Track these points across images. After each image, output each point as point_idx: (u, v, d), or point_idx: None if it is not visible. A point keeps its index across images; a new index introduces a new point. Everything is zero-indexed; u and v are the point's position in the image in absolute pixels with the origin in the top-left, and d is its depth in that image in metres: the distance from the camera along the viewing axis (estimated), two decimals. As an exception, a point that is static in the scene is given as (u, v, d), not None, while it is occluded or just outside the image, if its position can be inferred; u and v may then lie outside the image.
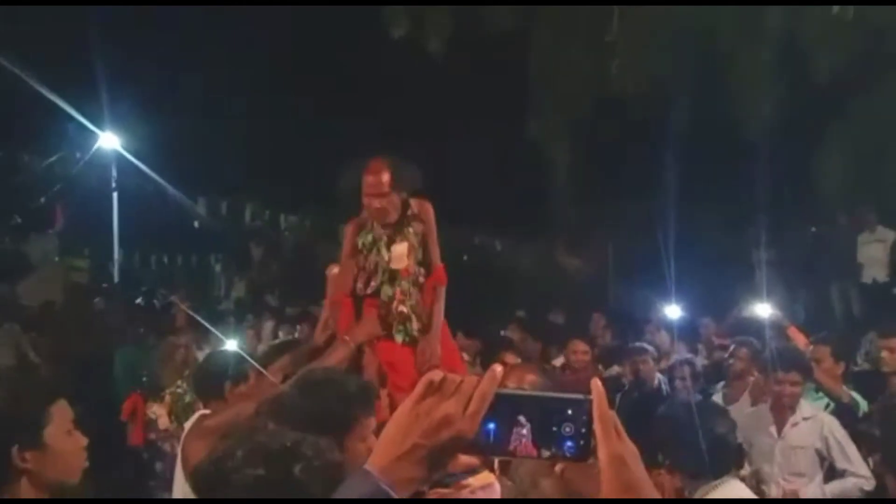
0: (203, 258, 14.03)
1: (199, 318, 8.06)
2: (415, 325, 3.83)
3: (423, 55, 10.79)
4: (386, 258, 3.80)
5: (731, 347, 5.61)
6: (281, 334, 8.00)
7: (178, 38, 11.01)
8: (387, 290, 3.83)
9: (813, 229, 11.52)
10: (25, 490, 1.92)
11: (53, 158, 12.35)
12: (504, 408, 1.03)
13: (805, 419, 4.36)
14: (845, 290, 10.33)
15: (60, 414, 1.98)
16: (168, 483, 4.51)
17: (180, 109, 11.34)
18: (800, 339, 5.36)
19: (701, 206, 10.36)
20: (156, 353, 7.09)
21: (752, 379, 5.20)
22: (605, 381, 5.27)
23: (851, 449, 4.22)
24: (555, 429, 1.03)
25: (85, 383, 6.81)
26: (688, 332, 7.35)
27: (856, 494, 4.18)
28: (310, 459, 1.56)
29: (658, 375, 5.93)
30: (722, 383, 5.67)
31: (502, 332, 7.19)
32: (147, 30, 11.19)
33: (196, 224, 13.89)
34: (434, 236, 3.90)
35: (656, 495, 1.07)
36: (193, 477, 1.66)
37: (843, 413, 4.55)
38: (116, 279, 12.22)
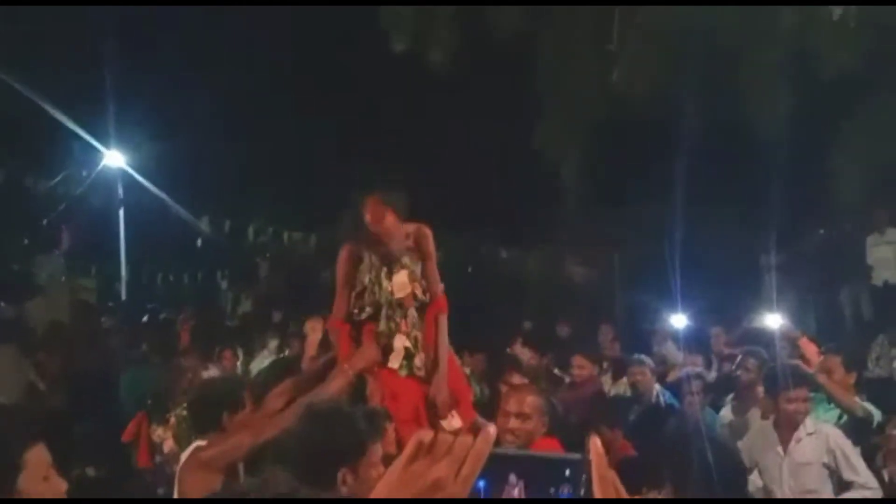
0: (209, 275, 14.03)
1: (204, 336, 8.07)
2: (418, 361, 3.76)
3: (425, 65, 10.78)
4: (388, 289, 3.74)
5: (739, 358, 5.55)
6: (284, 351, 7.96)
7: (183, 57, 11.03)
8: (388, 322, 3.77)
9: (821, 231, 11.44)
10: None
11: (59, 178, 12.38)
12: (496, 466, 0.99)
13: (809, 434, 4.30)
14: (855, 293, 10.24)
15: (36, 460, 1.92)
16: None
17: (184, 127, 11.35)
18: (811, 350, 5.29)
19: (709, 213, 10.29)
20: (161, 374, 7.07)
21: (761, 390, 5.14)
22: (608, 399, 5.23)
23: (858, 460, 4.18)
24: (552, 490, 1.00)
25: (91, 404, 6.82)
26: (697, 343, 7.30)
27: (866, 506, 4.13)
28: None
29: (657, 387, 5.88)
30: (731, 395, 5.61)
31: (508, 350, 7.13)
32: (151, 48, 11.22)
33: (199, 242, 13.88)
34: (433, 262, 3.83)
35: None
36: None
37: (857, 425, 4.48)
38: (123, 297, 12.23)
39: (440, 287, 3.85)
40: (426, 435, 0.99)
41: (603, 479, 1.00)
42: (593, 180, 11.39)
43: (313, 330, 3.99)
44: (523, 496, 0.99)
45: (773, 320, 6.22)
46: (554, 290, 12.30)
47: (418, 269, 3.79)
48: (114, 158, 11.87)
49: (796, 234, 10.58)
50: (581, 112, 10.75)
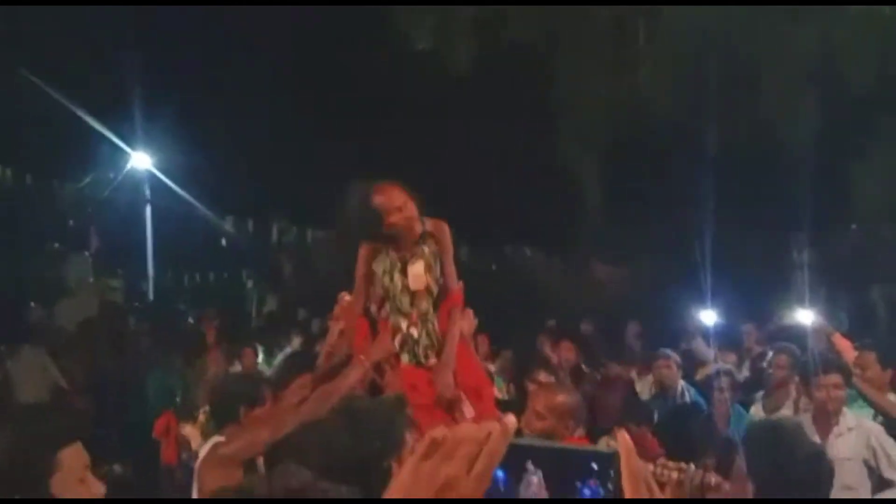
0: (235, 274, 14.10)
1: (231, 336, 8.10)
2: (422, 349, 3.73)
3: (449, 71, 10.77)
4: (400, 284, 3.71)
5: (770, 355, 5.44)
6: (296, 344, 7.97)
7: (207, 59, 11.10)
8: (399, 315, 3.75)
9: (853, 226, 11.28)
10: None
11: (87, 180, 12.51)
12: (516, 457, 0.94)
13: (850, 430, 4.19)
14: (888, 290, 10.08)
15: (72, 460, 1.86)
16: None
17: (209, 128, 11.41)
18: (845, 346, 5.18)
19: (739, 211, 10.16)
20: (189, 373, 7.11)
21: (793, 388, 5.04)
22: (637, 396, 5.12)
23: (900, 458, 4.07)
24: (578, 483, 0.94)
25: (119, 403, 6.88)
26: (728, 340, 7.18)
27: (907, 505, 4.03)
28: None
29: (682, 383, 5.78)
30: (762, 392, 5.50)
31: (537, 346, 7.07)
32: (176, 51, 11.29)
33: (224, 242, 13.97)
34: (450, 257, 3.78)
35: None
36: None
37: (892, 425, 4.37)
38: (150, 297, 12.33)
39: (456, 282, 3.82)
40: (440, 432, 0.94)
41: (633, 475, 0.94)
42: (620, 180, 11.35)
43: (338, 319, 3.96)
44: (543, 488, 0.94)
45: (805, 317, 6.09)
46: (580, 288, 12.22)
47: (434, 263, 3.76)
48: (140, 160, 11.97)
49: (829, 231, 10.44)
50: (607, 111, 10.73)
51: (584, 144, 11.05)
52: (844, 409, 4.29)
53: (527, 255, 14.30)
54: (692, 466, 2.65)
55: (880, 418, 4.51)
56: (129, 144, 11.88)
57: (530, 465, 0.94)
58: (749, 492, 2.36)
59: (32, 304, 10.38)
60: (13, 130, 10.71)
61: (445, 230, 3.77)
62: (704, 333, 7.57)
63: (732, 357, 6.45)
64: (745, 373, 6.33)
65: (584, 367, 6.40)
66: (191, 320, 9.84)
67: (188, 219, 12.21)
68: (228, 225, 13.79)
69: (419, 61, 10.48)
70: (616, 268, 12.96)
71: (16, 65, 9.96)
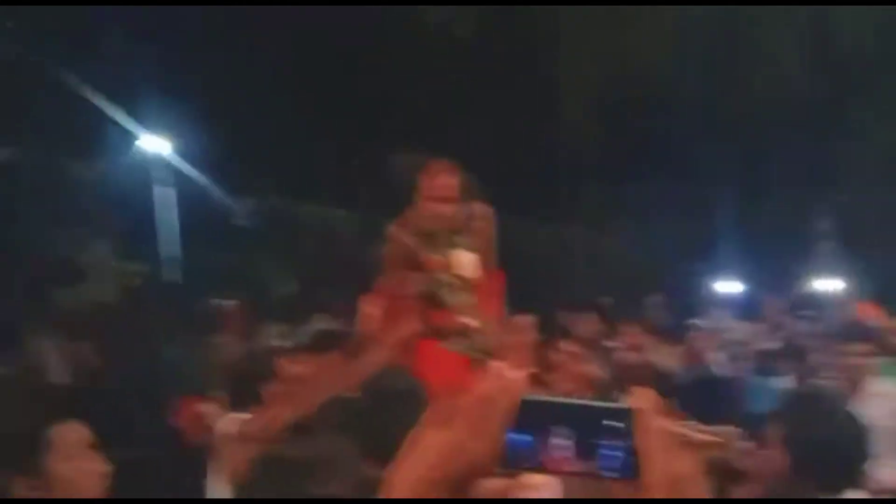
0: (254, 255, 14.12)
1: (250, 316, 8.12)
2: (482, 341, 3.65)
3: (448, 39, 10.66)
4: (450, 264, 3.63)
5: (801, 324, 5.40)
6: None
7: (220, 38, 11.06)
8: (448, 299, 3.66)
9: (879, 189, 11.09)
10: None
11: (104, 163, 12.54)
12: (535, 415, 0.87)
13: (875, 396, 4.15)
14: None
15: (65, 438, 1.84)
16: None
17: (228, 108, 11.39)
18: (871, 313, 5.10)
19: (761, 178, 10.03)
20: (209, 354, 7.13)
21: (820, 356, 4.98)
22: (658, 368, 5.07)
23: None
24: (599, 442, 0.87)
25: (139, 385, 6.91)
26: (751, 310, 7.11)
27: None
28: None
29: (714, 355, 5.74)
30: (789, 362, 5.44)
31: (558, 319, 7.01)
32: (191, 30, 11.26)
33: (243, 222, 13.97)
34: (493, 241, 3.71)
35: None
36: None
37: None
38: (169, 280, 12.38)
39: (496, 267, 3.76)
40: (447, 398, 0.88)
41: (657, 433, 0.86)
42: (640, 151, 11.22)
43: (367, 305, 3.92)
44: (568, 450, 0.87)
45: (830, 285, 6.01)
46: (600, 261, 12.14)
47: (475, 248, 3.68)
48: (158, 143, 11.97)
49: (854, 197, 10.26)
50: (617, 82, 10.61)
51: (588, 115, 10.95)
52: (871, 377, 4.24)
53: (542, 228, 14.21)
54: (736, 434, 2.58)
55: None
56: (148, 127, 11.88)
57: (556, 428, 0.87)
58: (784, 463, 2.30)
59: (52, 287, 10.46)
60: (36, 113, 10.77)
61: (490, 217, 3.68)
62: (726, 303, 7.50)
63: (761, 328, 6.37)
64: (770, 343, 6.26)
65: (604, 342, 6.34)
66: (211, 302, 9.87)
67: (207, 200, 12.23)
68: (248, 206, 13.78)
69: (420, 29, 10.39)
70: (636, 239, 12.86)
71: (32, 49, 9.99)
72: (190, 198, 12.13)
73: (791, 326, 5.36)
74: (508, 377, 0.87)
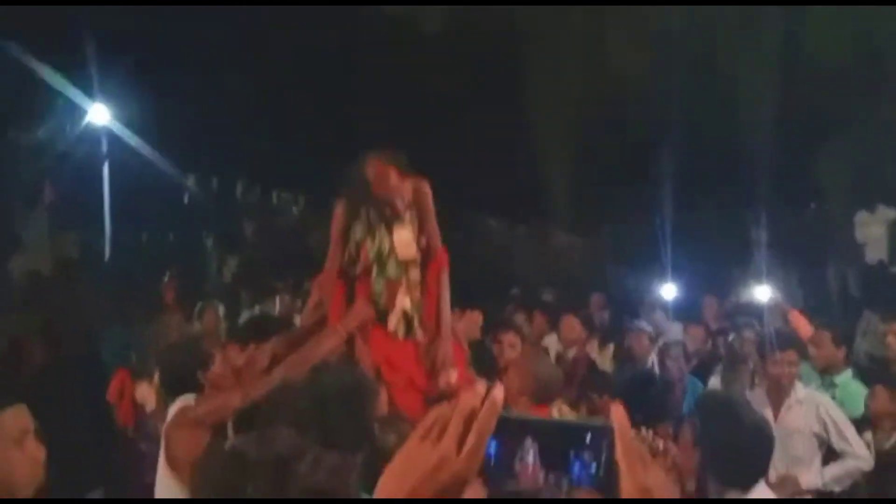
0: (195, 234, 13.89)
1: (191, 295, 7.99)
2: (417, 322, 3.67)
3: (416, 35, 10.62)
4: (387, 245, 3.62)
5: (736, 330, 5.56)
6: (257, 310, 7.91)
7: (171, 9, 10.78)
8: (385, 280, 3.66)
9: (812, 205, 11.47)
10: None
11: (41, 132, 12.15)
12: (509, 430, 0.94)
13: (799, 402, 4.31)
14: (842, 269, 10.30)
15: (8, 422, 1.78)
16: (152, 465, 4.44)
17: (172, 83, 11.13)
18: (802, 324, 5.30)
19: (698, 186, 10.26)
20: (146, 331, 7.00)
21: (751, 363, 5.15)
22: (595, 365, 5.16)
23: (849, 430, 4.18)
24: (571, 454, 0.94)
25: (73, 361, 6.75)
26: (687, 313, 7.29)
27: (855, 476, 4.14)
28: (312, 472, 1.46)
29: (652, 356, 5.88)
30: (720, 366, 5.61)
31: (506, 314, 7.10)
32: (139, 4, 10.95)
33: (186, 200, 13.72)
34: (433, 216, 3.72)
35: None
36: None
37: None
38: (107, 254, 12.09)
39: (439, 242, 3.75)
40: (433, 415, 0.95)
41: (628, 449, 0.94)
42: (584, 149, 11.38)
43: (318, 285, 3.88)
44: (538, 462, 0.93)
45: (763, 294, 6.22)
46: (542, 259, 12.29)
47: (416, 227, 3.68)
48: (99, 113, 11.62)
49: (786, 209, 10.60)
50: (574, 83, 10.73)
51: (549, 117, 11.05)
52: (796, 383, 4.41)
53: (491, 224, 14.33)
54: (643, 430, 2.71)
55: (832, 391, 4.64)
56: (87, 95, 11.53)
57: (527, 440, 0.94)
58: (695, 458, 2.44)
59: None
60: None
61: (427, 191, 3.68)
62: (663, 306, 7.67)
63: (699, 331, 6.54)
64: (706, 346, 6.44)
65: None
66: (150, 279, 9.69)
67: (148, 175, 11.93)
68: (191, 183, 13.53)
69: (389, 24, 10.33)
70: (578, 238, 13.05)
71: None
72: (132, 172, 11.84)
73: (726, 331, 5.53)
74: (490, 395, 0.94)
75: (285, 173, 13.10)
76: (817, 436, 4.22)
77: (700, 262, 8.92)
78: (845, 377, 4.74)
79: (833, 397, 4.54)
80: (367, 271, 3.66)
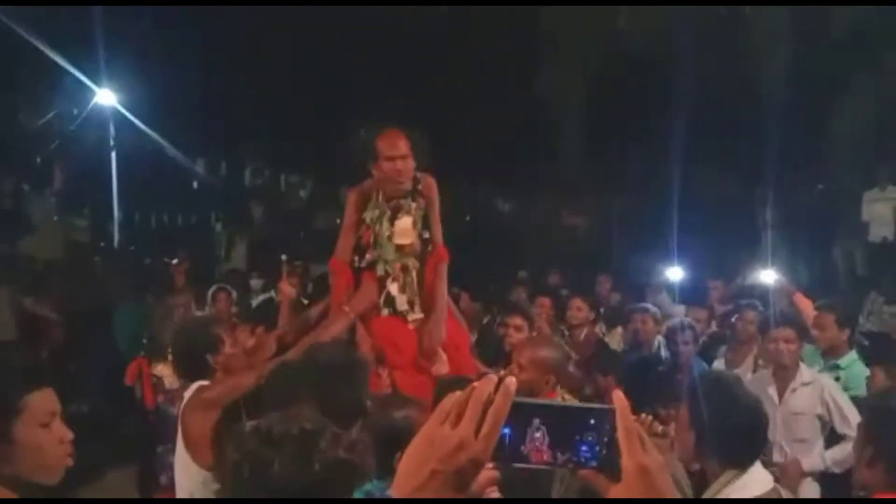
0: (203, 217, 13.96)
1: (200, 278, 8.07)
2: (403, 303, 3.77)
3: (427, 9, 10.59)
4: (387, 232, 3.74)
5: (739, 311, 5.58)
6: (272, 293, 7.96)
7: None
8: (383, 265, 3.78)
9: (820, 186, 11.44)
10: None
11: (50, 115, 12.19)
12: (520, 414, 1.02)
13: (805, 384, 4.35)
14: (849, 249, 10.29)
15: (37, 404, 1.81)
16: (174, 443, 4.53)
17: (179, 67, 11.15)
18: (805, 305, 5.32)
19: (707, 166, 10.25)
20: (155, 312, 7.08)
21: (755, 344, 5.18)
22: (604, 346, 5.22)
23: (852, 413, 4.21)
24: (577, 437, 1.02)
25: (86, 343, 6.85)
26: (694, 295, 7.32)
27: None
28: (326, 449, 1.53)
29: (659, 338, 5.91)
30: (724, 348, 5.66)
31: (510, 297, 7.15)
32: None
33: (195, 184, 13.78)
34: (437, 212, 3.84)
35: None
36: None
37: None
38: (116, 238, 12.18)
39: (442, 236, 3.86)
40: (451, 399, 1.02)
41: (628, 431, 1.02)
42: (592, 130, 11.37)
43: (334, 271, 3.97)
44: (546, 443, 1.02)
45: (768, 276, 6.23)
46: (551, 240, 12.31)
47: (420, 219, 3.79)
48: (106, 97, 11.65)
49: (795, 189, 10.58)
50: (581, 63, 10.70)
51: (557, 95, 11.03)
52: (801, 365, 4.44)
53: (500, 205, 14.35)
54: (643, 416, 2.77)
55: (836, 373, 4.67)
56: (94, 80, 11.55)
57: (536, 421, 1.02)
58: (690, 440, 2.50)
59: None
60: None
61: (433, 185, 3.82)
62: (670, 288, 7.71)
63: (702, 314, 6.58)
64: (711, 328, 6.48)
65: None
66: (161, 262, 9.76)
67: (157, 159, 11.99)
68: (200, 167, 13.58)
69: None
70: (586, 219, 13.07)
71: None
72: (141, 157, 11.88)
73: (731, 313, 5.56)
74: (504, 382, 1.02)
75: (293, 157, 13.14)
76: (820, 418, 4.27)
77: (706, 245, 8.93)
78: (849, 359, 4.74)
79: (837, 379, 4.56)
80: (369, 259, 3.78)
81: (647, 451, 1.01)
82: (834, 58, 9.80)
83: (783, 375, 4.39)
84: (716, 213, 10.26)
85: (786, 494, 2.79)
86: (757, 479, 2.49)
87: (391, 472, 1.06)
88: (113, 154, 12.09)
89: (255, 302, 7.56)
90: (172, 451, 3.38)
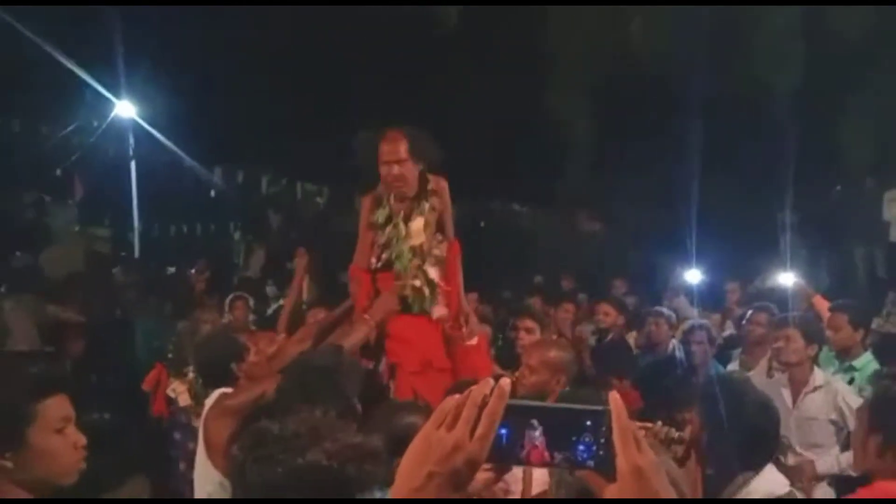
0: (222, 227, 14.07)
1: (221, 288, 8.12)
2: (429, 298, 3.82)
3: (439, 20, 10.64)
4: (402, 233, 3.78)
5: (749, 313, 5.55)
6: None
7: (195, 7, 10.89)
8: (401, 265, 3.82)
9: (838, 188, 11.35)
10: (7, 490, 1.79)
11: (71, 128, 12.36)
12: (517, 416, 1.04)
13: (818, 388, 4.30)
14: (870, 250, 10.20)
15: (51, 411, 1.85)
16: (186, 453, 4.58)
17: (196, 78, 11.27)
18: (824, 307, 5.27)
19: (724, 169, 10.20)
20: (179, 326, 7.13)
21: (769, 347, 5.14)
22: (624, 349, 5.20)
23: (866, 417, 4.17)
24: (573, 438, 1.03)
25: (107, 354, 6.91)
26: (711, 298, 7.28)
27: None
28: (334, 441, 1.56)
29: (673, 341, 5.89)
30: (738, 350, 5.63)
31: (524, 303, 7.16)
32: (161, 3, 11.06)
33: (213, 193, 13.89)
34: (450, 212, 3.90)
35: None
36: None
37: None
38: (137, 248, 12.30)
39: (453, 235, 3.94)
40: (449, 402, 1.04)
41: (623, 431, 1.03)
42: (606, 134, 11.35)
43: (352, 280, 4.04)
44: (543, 444, 1.03)
45: (787, 278, 6.19)
46: (566, 245, 12.29)
47: (433, 220, 3.84)
48: (125, 109, 11.81)
49: (813, 191, 10.50)
50: (595, 66, 10.70)
51: (571, 100, 11.03)
52: (816, 369, 4.40)
53: (515, 210, 14.35)
54: (658, 424, 2.79)
55: (850, 374, 4.63)
56: (113, 92, 11.70)
57: (533, 422, 1.03)
58: (703, 442, 2.50)
59: (17, 252, 10.34)
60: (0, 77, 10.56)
61: (445, 187, 3.87)
62: (688, 291, 7.68)
63: (716, 317, 6.55)
64: (728, 331, 6.44)
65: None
66: (181, 271, 9.85)
67: (175, 169, 12.12)
68: (217, 176, 13.70)
69: (407, 11, 10.36)
70: (603, 225, 13.03)
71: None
72: (159, 167, 12.02)
73: (752, 318, 5.52)
74: (498, 384, 1.04)
75: (309, 165, 13.21)
76: (834, 423, 4.23)
77: (724, 247, 8.89)
78: (864, 360, 4.69)
79: (851, 381, 4.52)
80: (390, 260, 3.82)
81: (642, 451, 1.03)
82: (851, 58, 9.73)
83: (797, 379, 4.35)
84: (734, 216, 10.20)
85: (801, 497, 2.78)
86: (772, 481, 2.48)
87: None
88: (132, 165, 12.22)
89: (269, 310, 7.60)
90: (183, 461, 3.42)
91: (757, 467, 2.46)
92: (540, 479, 2.59)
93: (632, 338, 6.46)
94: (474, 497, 1.07)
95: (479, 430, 1.01)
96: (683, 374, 5.28)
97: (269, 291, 8.69)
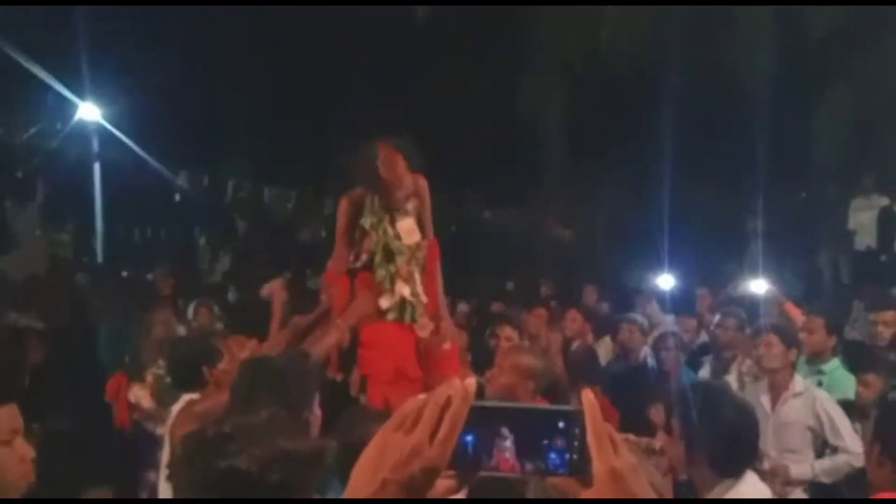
0: (187, 231, 13.89)
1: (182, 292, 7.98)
2: (419, 309, 3.77)
3: (408, 19, 10.59)
4: (392, 233, 3.75)
5: (717, 318, 5.58)
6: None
7: (161, 8, 10.74)
8: (386, 268, 3.77)
9: (804, 194, 11.50)
10: None
11: (33, 130, 12.12)
12: (484, 419, 0.94)
13: (796, 395, 4.32)
14: (834, 257, 10.33)
15: None
16: (152, 461, 4.46)
17: (162, 81, 11.10)
18: (796, 314, 5.30)
19: (694, 175, 10.26)
20: (138, 331, 6.99)
21: (738, 352, 5.16)
22: (595, 356, 5.18)
23: (844, 424, 4.19)
24: (545, 442, 0.95)
25: (68, 360, 6.73)
26: (682, 304, 7.31)
27: (846, 470, 4.16)
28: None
29: (646, 348, 5.89)
30: (710, 356, 5.64)
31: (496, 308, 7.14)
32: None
33: (177, 197, 13.71)
34: (429, 212, 3.90)
35: None
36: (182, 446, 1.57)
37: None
38: (100, 253, 12.08)
39: (432, 235, 3.94)
40: (411, 404, 0.95)
41: (598, 432, 0.95)
42: (577, 139, 11.38)
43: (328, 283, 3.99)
44: (513, 451, 0.95)
45: (758, 285, 6.23)
46: (537, 250, 12.30)
47: (416, 216, 3.84)
48: (89, 111, 11.59)
49: (779, 197, 10.61)
50: (565, 69, 10.71)
51: (543, 105, 11.04)
52: (795, 376, 4.41)
53: (486, 216, 14.34)
54: (642, 438, 2.75)
55: (818, 378, 4.65)
56: (77, 94, 11.49)
57: (504, 430, 0.95)
58: (681, 450, 2.46)
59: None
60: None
61: (426, 186, 3.86)
62: (660, 297, 7.70)
63: (691, 323, 6.57)
64: (703, 338, 6.46)
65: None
66: (145, 276, 9.68)
67: (140, 173, 11.92)
68: (182, 180, 13.52)
69: (374, 12, 10.30)
70: (573, 230, 13.07)
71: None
72: (123, 170, 11.81)
73: (720, 323, 5.54)
74: (461, 385, 0.94)
75: (276, 170, 13.09)
76: (811, 429, 4.23)
77: (695, 254, 8.94)
78: (832, 365, 4.73)
79: (819, 384, 4.54)
80: (368, 265, 3.77)
81: (618, 453, 0.95)
82: (818, 65, 9.85)
83: (778, 385, 4.36)
84: (704, 222, 10.27)
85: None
86: (752, 490, 2.45)
87: None
88: (96, 168, 12.01)
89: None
90: (148, 468, 3.33)
91: (737, 474, 2.42)
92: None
93: (605, 344, 6.45)
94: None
95: (440, 434, 0.91)
96: (656, 381, 5.27)
97: (230, 297, 8.57)
